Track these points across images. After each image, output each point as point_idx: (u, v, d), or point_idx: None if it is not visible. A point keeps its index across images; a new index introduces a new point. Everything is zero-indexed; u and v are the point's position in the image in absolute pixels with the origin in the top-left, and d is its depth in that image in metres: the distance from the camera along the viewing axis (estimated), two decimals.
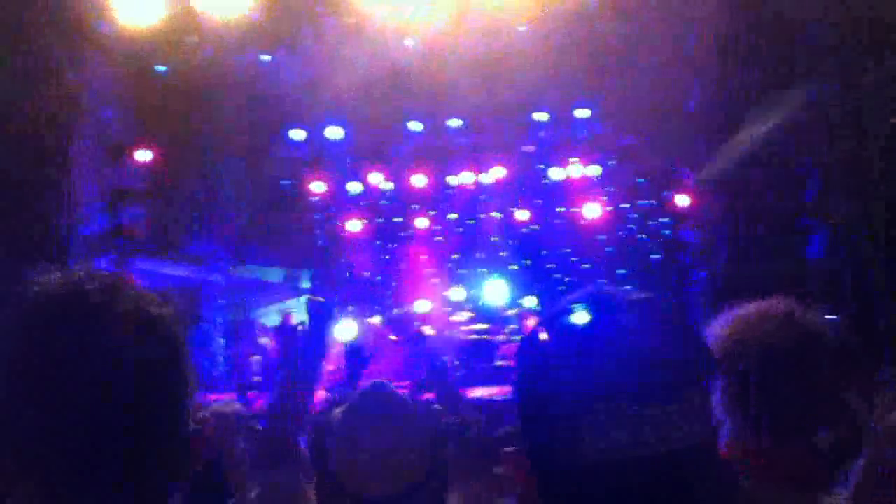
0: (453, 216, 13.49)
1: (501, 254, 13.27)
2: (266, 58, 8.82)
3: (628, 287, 1.11)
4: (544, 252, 13.11)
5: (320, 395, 10.24)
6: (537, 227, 13.12)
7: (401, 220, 13.71)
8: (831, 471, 1.87)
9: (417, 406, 2.25)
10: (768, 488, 1.65)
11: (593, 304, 1.03)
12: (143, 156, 9.69)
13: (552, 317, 1.06)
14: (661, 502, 0.95)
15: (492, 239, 13.31)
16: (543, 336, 1.04)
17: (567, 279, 12.64)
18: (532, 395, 1.03)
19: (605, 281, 11.40)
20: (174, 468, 1.07)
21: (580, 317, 1.02)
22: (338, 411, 2.16)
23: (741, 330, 1.82)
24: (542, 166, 12.32)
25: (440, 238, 13.57)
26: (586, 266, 12.58)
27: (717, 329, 1.85)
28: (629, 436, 0.93)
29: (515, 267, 13.11)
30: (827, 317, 1.87)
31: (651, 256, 11.84)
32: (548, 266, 12.96)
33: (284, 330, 11.46)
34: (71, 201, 8.31)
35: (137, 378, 1.02)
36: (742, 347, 1.79)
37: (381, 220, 13.74)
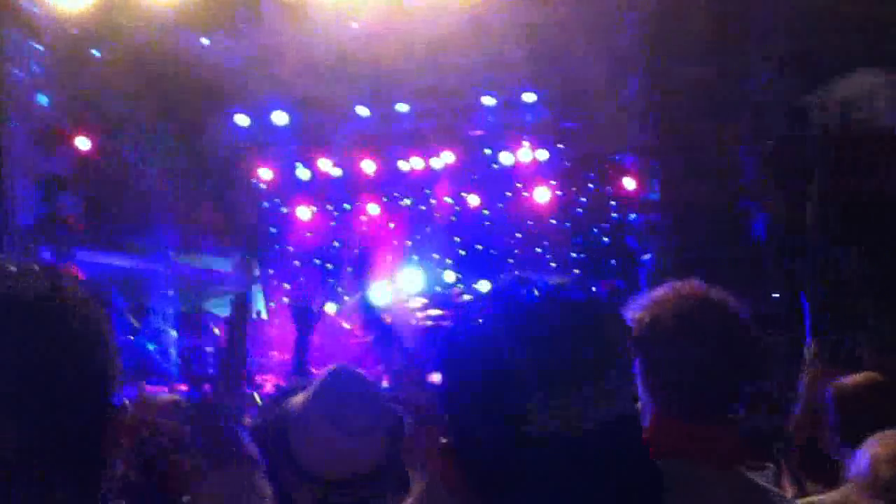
0: (406, 202, 13.45)
1: (456, 238, 13.26)
2: (205, 41, 8.64)
3: (554, 275, 1.12)
4: (496, 237, 13.14)
5: (270, 384, 10.14)
6: (487, 212, 13.14)
7: (350, 207, 13.64)
8: (751, 447, 1.92)
9: (378, 388, 2.28)
10: (688, 466, 1.67)
11: (513, 292, 1.07)
12: (80, 143, 9.46)
13: (483, 301, 1.07)
14: (584, 479, 0.96)
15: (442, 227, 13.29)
16: (471, 322, 1.05)
17: (516, 263, 12.69)
18: (455, 382, 1.04)
19: (524, 271, 11.49)
20: (90, 456, 1.08)
21: (507, 307, 1.03)
22: (299, 397, 2.18)
23: (656, 311, 1.85)
24: (488, 151, 12.32)
25: (392, 224, 13.53)
26: (537, 250, 12.64)
27: (636, 311, 1.88)
28: (552, 416, 0.94)
29: (463, 252, 13.12)
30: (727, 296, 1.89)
31: (599, 239, 11.95)
32: (494, 251, 12.99)
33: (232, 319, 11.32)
34: (3, 190, 8.12)
35: (41, 367, 1.03)
36: (657, 328, 1.82)
37: (330, 207, 13.65)
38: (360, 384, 2.18)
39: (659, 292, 1.91)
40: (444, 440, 1.04)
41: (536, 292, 1.05)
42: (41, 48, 8.13)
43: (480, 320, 1.03)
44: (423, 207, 13.43)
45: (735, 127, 7.23)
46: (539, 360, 0.96)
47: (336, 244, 13.79)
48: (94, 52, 8.30)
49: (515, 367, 0.96)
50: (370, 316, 2.53)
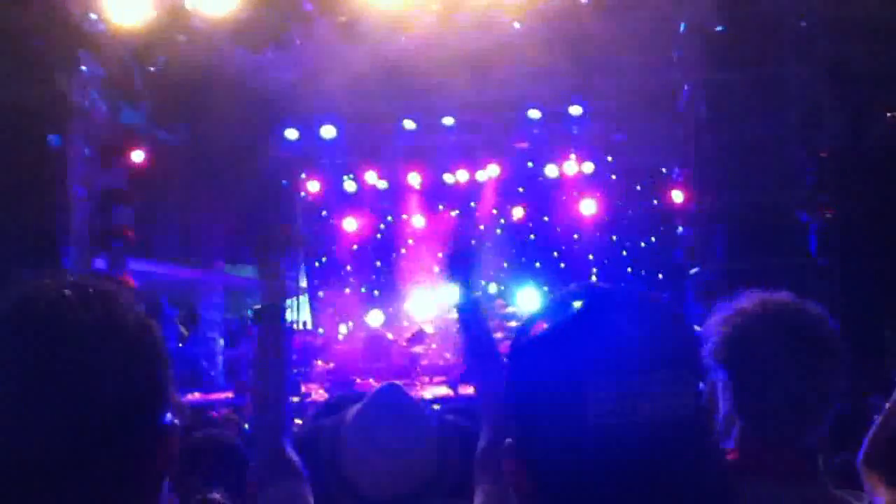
0: (453, 213, 13.49)
1: (508, 260, 13.24)
2: (257, 57, 8.79)
3: (616, 283, 1.14)
4: (542, 248, 13.10)
5: (319, 393, 10.17)
6: (531, 224, 13.12)
7: (392, 219, 13.72)
8: (817, 464, 1.87)
9: (427, 409, 2.29)
10: (755, 480, 1.65)
11: (584, 296, 1.06)
12: (136, 156, 9.67)
13: (545, 310, 1.09)
14: (652, 480, 0.98)
15: (488, 238, 13.29)
16: (538, 327, 1.06)
17: (563, 274, 12.65)
18: (527, 384, 1.05)
19: (593, 278, 11.42)
20: (146, 474, 1.12)
21: (573, 308, 1.04)
22: (349, 412, 2.17)
23: (739, 324, 1.79)
24: (530, 164, 12.31)
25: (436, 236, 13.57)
26: (582, 262, 12.58)
27: (715, 323, 1.83)
28: (622, 413, 0.96)
29: (506, 264, 13.09)
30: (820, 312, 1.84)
31: (646, 253, 11.84)
32: (544, 263, 12.95)
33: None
34: (63, 202, 8.31)
35: (100, 385, 1.06)
36: (739, 342, 1.77)
37: (377, 219, 13.75)
38: (407, 405, 2.16)
39: (739, 305, 1.84)
40: (509, 440, 1.06)
41: (602, 292, 1.07)
42: (100, 63, 8.34)
43: (547, 323, 1.05)
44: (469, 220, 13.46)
45: (789, 135, 7.14)
46: (600, 354, 0.98)
47: (378, 263, 13.84)
48: (150, 68, 8.48)
49: (578, 362, 0.99)
50: (475, 322, 2.44)
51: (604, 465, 0.98)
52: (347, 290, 13.84)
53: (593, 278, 12.05)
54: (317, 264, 14.01)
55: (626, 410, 0.96)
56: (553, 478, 1.02)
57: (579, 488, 1.00)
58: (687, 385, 1.01)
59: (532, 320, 1.08)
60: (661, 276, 11.39)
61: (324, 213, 13.77)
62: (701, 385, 1.02)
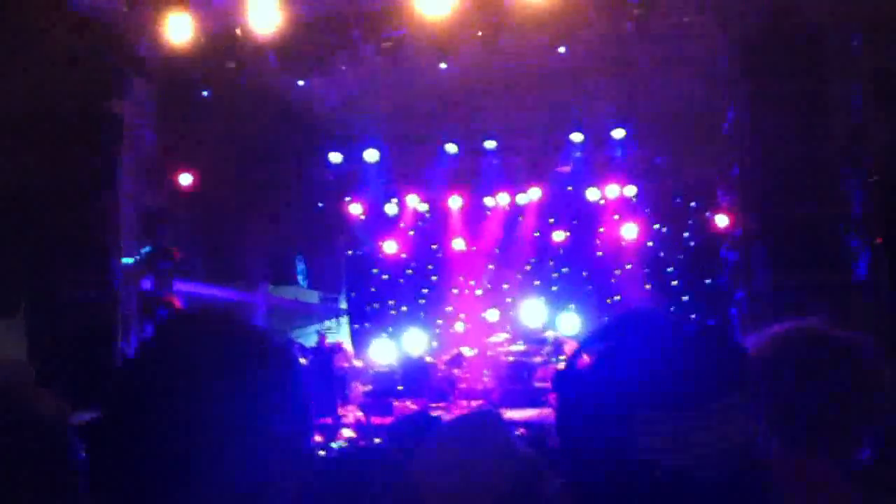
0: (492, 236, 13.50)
1: (536, 282, 13.19)
2: (301, 82, 8.94)
3: (663, 309, 1.13)
4: (584, 273, 13.03)
5: (355, 415, 10.16)
6: (573, 249, 13.05)
7: (432, 242, 13.75)
8: (855, 483, 1.87)
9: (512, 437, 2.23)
10: (798, 500, 1.64)
11: (629, 325, 1.08)
12: (184, 179, 9.86)
13: (591, 340, 1.09)
14: None
15: (528, 262, 13.26)
16: (584, 359, 1.06)
17: (607, 300, 12.55)
18: (576, 416, 1.05)
19: (639, 304, 11.29)
20: None
21: (618, 338, 1.04)
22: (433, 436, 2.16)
23: (776, 348, 1.83)
24: (570, 188, 12.29)
25: (477, 260, 13.58)
26: (624, 286, 12.48)
27: (754, 347, 1.86)
28: (669, 446, 0.95)
29: (555, 288, 13.03)
30: (861, 335, 1.86)
31: (689, 277, 11.71)
32: (586, 288, 12.87)
33: (320, 350, 11.53)
34: (114, 223, 8.48)
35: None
36: (777, 365, 1.79)
37: (417, 242, 13.81)
38: (492, 430, 2.11)
39: (779, 328, 1.88)
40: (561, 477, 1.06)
41: (647, 320, 1.06)
42: (148, 85, 8.54)
43: (595, 350, 1.05)
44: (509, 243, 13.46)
45: (837, 155, 7.05)
46: (645, 388, 0.97)
47: (424, 290, 13.86)
48: (202, 92, 8.65)
49: (624, 391, 0.98)
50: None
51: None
52: (388, 313, 13.87)
53: (636, 304, 11.94)
54: (357, 286, 14.08)
55: (680, 447, 0.94)
56: None
57: None
58: (743, 413, 0.99)
59: (577, 352, 1.06)
60: (705, 301, 11.25)
61: (365, 235, 13.87)
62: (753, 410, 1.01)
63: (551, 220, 13.04)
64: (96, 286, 8.17)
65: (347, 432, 9.55)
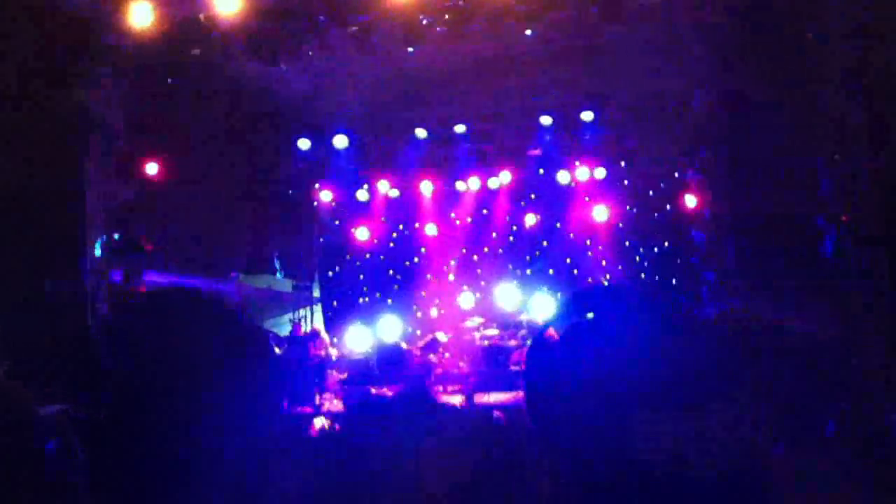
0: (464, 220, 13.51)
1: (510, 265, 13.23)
2: (271, 67, 8.86)
3: (632, 283, 1.10)
4: (556, 255, 13.08)
5: (333, 403, 10.11)
6: (543, 231, 13.11)
7: (404, 228, 13.72)
8: (855, 483, 1.88)
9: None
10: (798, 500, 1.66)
11: (597, 299, 1.05)
12: (152, 168, 9.74)
13: (558, 315, 1.07)
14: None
15: (501, 246, 13.29)
16: (552, 337, 1.04)
17: (577, 281, 12.62)
18: (544, 394, 1.04)
19: (608, 279, 11.38)
20: None
21: (588, 318, 1.02)
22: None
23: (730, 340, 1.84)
24: (541, 171, 12.32)
25: (449, 245, 13.58)
26: (595, 268, 12.56)
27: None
28: (652, 439, 0.93)
29: (529, 271, 13.08)
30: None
31: (659, 258, 11.81)
32: (559, 270, 12.93)
33: (295, 339, 11.48)
34: (82, 213, 8.37)
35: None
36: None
37: (389, 228, 13.78)
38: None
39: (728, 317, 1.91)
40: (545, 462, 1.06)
41: (620, 296, 1.05)
42: (115, 75, 8.41)
43: (576, 342, 1.02)
44: (481, 227, 13.48)
45: (807, 141, 7.13)
46: (638, 383, 0.94)
47: (394, 275, 13.85)
48: (168, 79, 8.55)
49: (616, 390, 0.95)
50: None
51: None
52: (361, 300, 13.85)
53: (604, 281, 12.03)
54: (330, 274, 14.03)
55: (654, 431, 0.90)
56: None
57: None
58: (728, 417, 0.96)
59: (544, 327, 1.03)
60: (675, 280, 11.37)
61: (337, 222, 13.81)
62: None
63: (523, 204, 13.08)
64: (67, 278, 8.08)
65: (324, 420, 9.54)
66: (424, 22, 8.06)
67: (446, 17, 8.06)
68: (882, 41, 6.34)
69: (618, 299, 1.05)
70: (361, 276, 13.94)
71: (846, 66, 6.53)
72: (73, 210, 8.04)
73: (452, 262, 13.60)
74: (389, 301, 13.70)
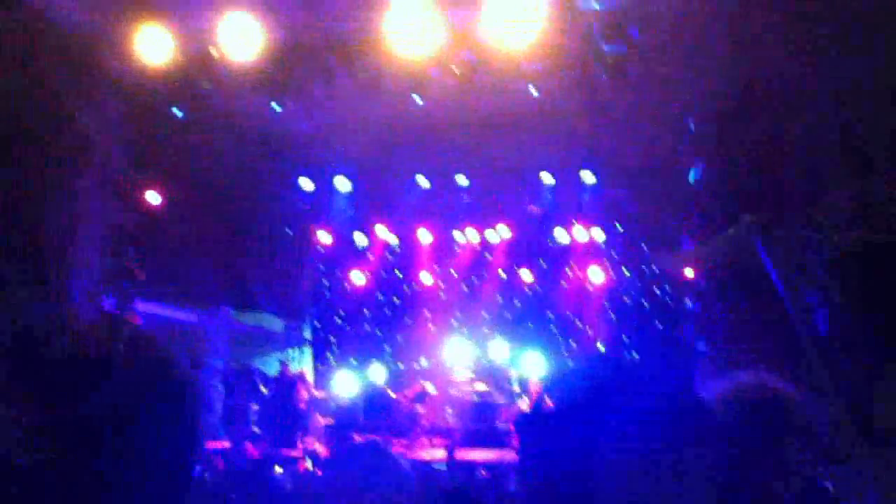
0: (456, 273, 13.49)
1: (506, 314, 13.18)
2: (277, 107, 8.91)
3: (628, 356, 1.11)
4: (549, 314, 13.03)
5: (316, 448, 9.97)
6: (539, 289, 13.07)
7: (401, 275, 13.70)
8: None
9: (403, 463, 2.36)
10: None
11: (596, 373, 1.07)
12: (150, 197, 9.76)
13: (556, 385, 1.08)
14: None
15: (495, 300, 13.25)
16: (547, 403, 1.06)
17: (571, 342, 12.54)
18: (537, 460, 1.04)
19: (604, 348, 11.32)
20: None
21: (580, 385, 1.03)
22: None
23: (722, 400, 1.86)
24: (539, 227, 12.33)
25: (444, 295, 13.55)
26: (589, 330, 12.49)
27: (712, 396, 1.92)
28: (638, 497, 0.94)
29: (520, 327, 13.00)
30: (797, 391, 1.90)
31: (652, 325, 11.75)
32: (551, 328, 12.86)
33: (282, 381, 11.38)
34: (75, 239, 8.34)
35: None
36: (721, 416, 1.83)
37: (385, 274, 13.75)
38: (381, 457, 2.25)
39: (724, 383, 1.92)
40: None
41: (619, 372, 1.05)
42: (119, 101, 8.44)
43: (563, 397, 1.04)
44: (476, 280, 13.45)
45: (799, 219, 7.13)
46: (610, 435, 0.96)
47: (387, 312, 13.80)
48: (174, 110, 8.58)
49: (586, 438, 0.96)
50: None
51: None
52: (351, 344, 13.76)
53: (599, 348, 11.95)
54: (322, 315, 13.96)
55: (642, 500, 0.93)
56: None
57: None
58: (701, 471, 0.98)
59: (541, 397, 1.06)
60: (668, 350, 11.28)
61: (330, 267, 13.80)
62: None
63: (517, 263, 13.07)
64: (56, 301, 8.01)
65: (306, 464, 9.41)
66: (432, 73, 8.12)
67: (455, 70, 8.11)
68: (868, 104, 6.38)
69: (619, 376, 1.06)
70: (353, 320, 13.87)
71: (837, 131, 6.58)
72: (64, 235, 7.99)
73: (446, 313, 13.55)
74: (383, 347, 13.62)
